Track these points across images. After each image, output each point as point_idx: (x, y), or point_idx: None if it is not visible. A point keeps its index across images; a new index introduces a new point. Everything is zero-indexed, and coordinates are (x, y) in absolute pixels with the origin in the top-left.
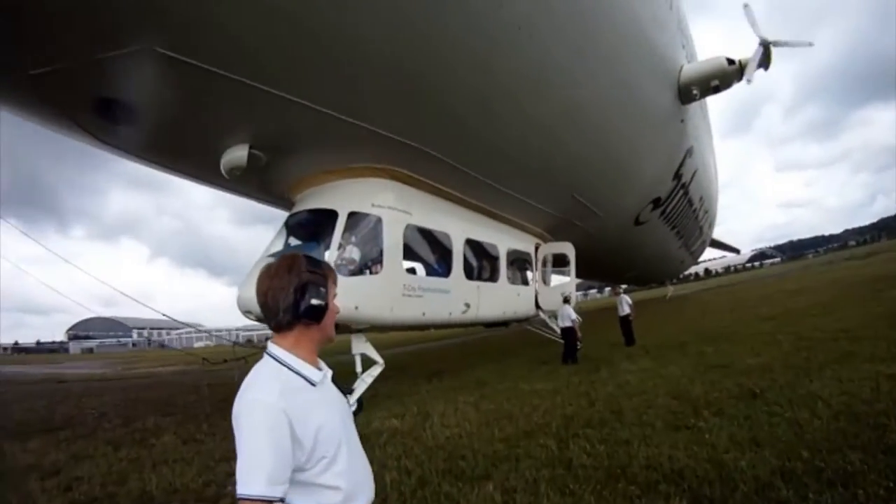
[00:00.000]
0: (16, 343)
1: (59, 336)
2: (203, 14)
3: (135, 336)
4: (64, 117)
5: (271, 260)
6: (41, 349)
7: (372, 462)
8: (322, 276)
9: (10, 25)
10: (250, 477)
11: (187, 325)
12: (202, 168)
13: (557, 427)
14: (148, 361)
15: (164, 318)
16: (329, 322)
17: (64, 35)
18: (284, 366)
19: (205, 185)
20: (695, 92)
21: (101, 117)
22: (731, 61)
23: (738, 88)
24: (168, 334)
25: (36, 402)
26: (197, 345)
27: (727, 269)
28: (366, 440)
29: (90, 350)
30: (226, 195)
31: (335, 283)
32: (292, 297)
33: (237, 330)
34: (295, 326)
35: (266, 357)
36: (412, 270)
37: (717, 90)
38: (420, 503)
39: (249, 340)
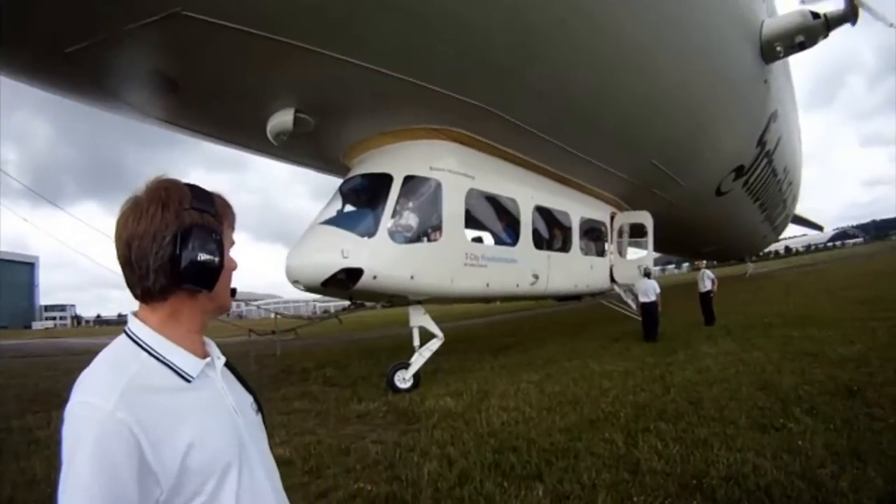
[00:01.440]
0: (98, 316)
1: None
2: None
3: None
4: (106, 94)
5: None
6: (122, 321)
7: (414, 448)
8: (215, 215)
9: (38, 5)
10: None
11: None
12: (256, 138)
13: (626, 417)
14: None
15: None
16: (224, 286)
17: (91, 8)
18: (145, 350)
19: (270, 158)
20: (778, 49)
21: (142, 90)
22: (815, 15)
23: (820, 54)
24: (246, 305)
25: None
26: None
27: (808, 248)
28: (416, 420)
29: None
30: (304, 171)
31: (232, 225)
32: (169, 249)
33: (314, 301)
34: (171, 294)
35: (121, 337)
36: (478, 240)
37: (802, 47)
38: None
39: (326, 311)
